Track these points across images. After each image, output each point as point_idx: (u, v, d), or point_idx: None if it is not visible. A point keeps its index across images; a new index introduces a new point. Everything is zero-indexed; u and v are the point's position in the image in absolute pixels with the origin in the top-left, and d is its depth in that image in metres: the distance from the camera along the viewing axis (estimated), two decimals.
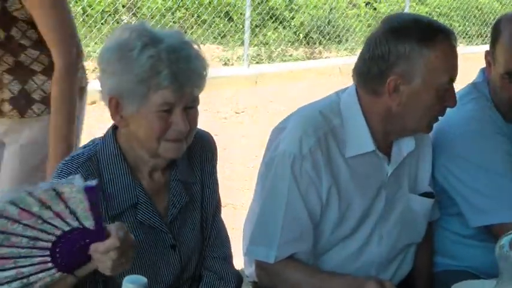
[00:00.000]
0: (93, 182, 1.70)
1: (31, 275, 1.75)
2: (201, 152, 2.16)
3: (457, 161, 2.33)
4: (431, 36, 2.05)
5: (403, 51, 2.04)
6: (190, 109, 1.92)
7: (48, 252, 1.74)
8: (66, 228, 1.71)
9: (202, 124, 2.19)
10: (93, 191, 1.69)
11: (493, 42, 2.39)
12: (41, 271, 1.76)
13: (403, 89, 2.06)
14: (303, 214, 2.12)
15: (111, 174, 1.97)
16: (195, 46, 1.96)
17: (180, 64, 1.86)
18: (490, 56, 2.42)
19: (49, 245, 1.72)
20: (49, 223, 1.70)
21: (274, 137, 2.26)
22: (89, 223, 1.71)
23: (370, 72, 2.10)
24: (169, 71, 1.83)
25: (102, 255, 1.70)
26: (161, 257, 2.05)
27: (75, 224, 1.71)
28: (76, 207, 1.69)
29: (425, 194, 2.33)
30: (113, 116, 1.95)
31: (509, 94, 2.35)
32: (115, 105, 1.92)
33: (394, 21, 2.12)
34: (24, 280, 1.75)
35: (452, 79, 2.10)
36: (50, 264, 1.75)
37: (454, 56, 2.11)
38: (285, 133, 2.19)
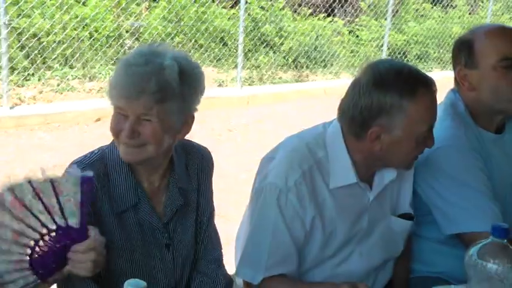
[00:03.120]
0: (90, 173, 1.69)
1: (6, 272, 1.66)
2: (198, 164, 2.16)
3: (433, 173, 2.32)
4: (412, 90, 1.99)
5: (385, 105, 1.99)
6: (146, 121, 1.87)
7: (28, 251, 1.66)
8: (52, 226, 1.66)
9: (198, 141, 2.22)
10: (89, 181, 1.67)
11: (469, 52, 2.36)
12: (16, 271, 1.67)
13: (384, 137, 2.04)
14: (288, 241, 2.10)
15: (116, 175, 1.97)
16: (171, 70, 1.86)
17: (128, 78, 1.84)
18: (464, 68, 2.39)
19: (31, 243, 1.66)
20: (37, 218, 1.65)
21: (263, 166, 2.24)
22: (74, 221, 1.67)
23: (354, 118, 2.05)
24: (116, 81, 1.86)
25: (83, 255, 1.69)
26: (156, 255, 2.05)
27: (61, 222, 1.66)
28: (67, 201, 1.65)
29: (405, 215, 2.32)
30: None
31: (508, 82, 2.32)
32: None
33: (377, 73, 2.04)
34: None
35: (431, 127, 2.08)
36: (26, 265, 1.67)
37: (433, 106, 2.06)
38: (273, 164, 2.17)
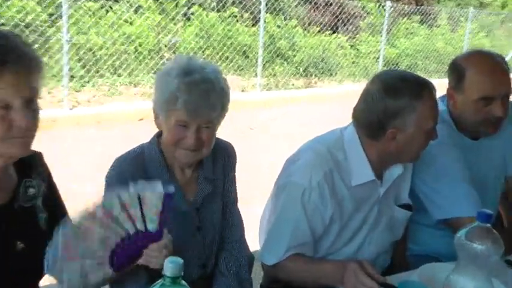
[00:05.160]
0: (171, 189, 1.64)
1: (91, 268, 1.63)
2: (223, 158, 2.11)
3: (424, 167, 2.26)
4: (419, 92, 1.93)
5: (399, 107, 1.92)
6: (206, 128, 1.87)
7: (109, 253, 1.63)
8: (132, 231, 1.62)
9: (224, 137, 2.16)
10: (170, 197, 1.63)
11: (459, 78, 2.28)
12: (99, 266, 1.63)
13: (399, 137, 1.97)
14: (307, 231, 2.02)
15: (153, 169, 1.93)
16: (218, 83, 1.86)
17: (194, 96, 1.80)
18: (453, 90, 2.32)
19: (113, 245, 1.62)
20: (120, 224, 1.61)
21: (287, 166, 2.14)
22: (152, 226, 1.63)
23: (371, 123, 1.98)
24: (184, 99, 1.80)
25: (157, 253, 1.67)
26: (190, 237, 2.01)
27: (142, 227, 1.62)
28: (149, 211, 1.61)
29: (406, 206, 2.24)
30: (155, 122, 1.95)
31: (483, 116, 2.27)
32: (154, 114, 1.93)
33: (388, 80, 1.97)
34: (83, 275, 1.62)
35: (436, 122, 2.01)
36: (107, 264, 1.63)
37: (436, 104, 2.00)
38: (297, 165, 2.06)
